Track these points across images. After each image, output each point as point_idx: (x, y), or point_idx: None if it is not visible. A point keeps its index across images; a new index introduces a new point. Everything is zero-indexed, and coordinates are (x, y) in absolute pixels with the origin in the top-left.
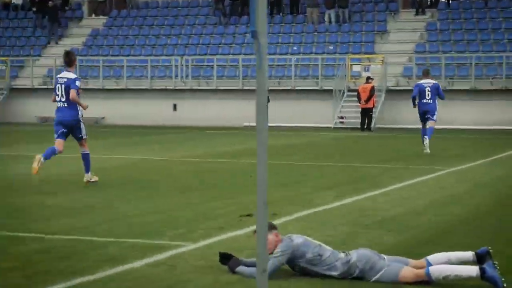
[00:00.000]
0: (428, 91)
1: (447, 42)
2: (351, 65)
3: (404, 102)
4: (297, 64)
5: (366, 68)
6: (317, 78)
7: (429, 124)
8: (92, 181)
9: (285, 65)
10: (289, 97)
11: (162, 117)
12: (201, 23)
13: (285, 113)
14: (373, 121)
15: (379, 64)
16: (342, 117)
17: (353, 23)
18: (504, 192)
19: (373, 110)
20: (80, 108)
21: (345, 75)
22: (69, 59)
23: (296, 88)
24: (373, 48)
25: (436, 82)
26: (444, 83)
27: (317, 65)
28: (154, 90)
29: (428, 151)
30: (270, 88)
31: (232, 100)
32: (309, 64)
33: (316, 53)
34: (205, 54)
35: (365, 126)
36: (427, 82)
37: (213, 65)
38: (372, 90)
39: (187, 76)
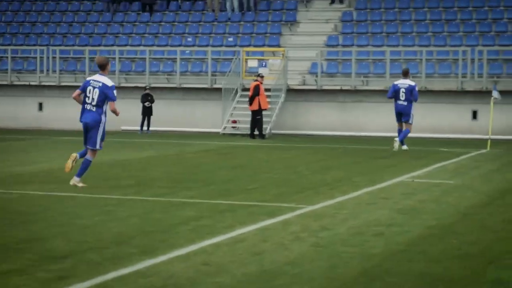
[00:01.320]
0: (403, 92)
1: (363, 35)
2: (247, 59)
3: (309, 103)
4: (189, 58)
5: (263, 63)
6: (212, 75)
7: (405, 126)
8: (80, 186)
9: (175, 58)
10: (174, 97)
11: (25, 119)
12: (86, 9)
13: (169, 116)
14: (269, 125)
15: (279, 59)
16: (234, 121)
17: (259, 11)
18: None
19: (262, 112)
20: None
21: (240, 72)
22: (102, 64)
23: (183, 86)
24: (279, 40)
25: (413, 83)
26: (356, 82)
27: (214, 59)
28: (15, 86)
29: (396, 149)
30: (155, 85)
31: None
32: (203, 59)
33: (213, 46)
34: (86, 45)
35: (254, 133)
36: (403, 83)
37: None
38: (256, 89)
39: (54, 70)
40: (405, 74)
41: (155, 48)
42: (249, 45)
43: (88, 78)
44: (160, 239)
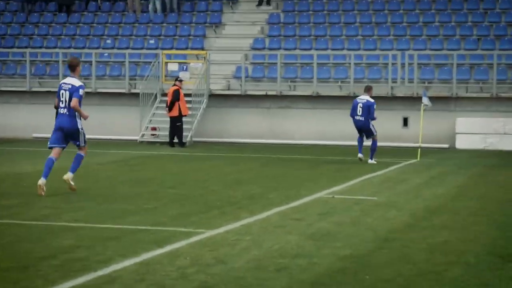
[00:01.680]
0: (360, 107)
1: (290, 38)
2: (166, 62)
3: (233, 109)
4: (108, 62)
5: (184, 67)
6: (131, 79)
7: (372, 138)
8: (72, 184)
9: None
10: (90, 102)
11: None
12: None
13: (85, 123)
14: (190, 133)
15: (200, 63)
16: (154, 128)
17: (182, 13)
18: None
19: (183, 119)
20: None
21: (159, 76)
22: (73, 65)
23: (98, 90)
24: (203, 43)
25: (372, 100)
26: (283, 87)
27: (133, 62)
28: None
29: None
30: None
31: (18, 105)
32: (122, 62)
33: (133, 48)
34: None
35: (174, 141)
36: (362, 99)
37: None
38: (175, 94)
39: None
40: (366, 90)
41: (71, 50)
42: (171, 48)
43: (60, 82)
44: (13, 280)
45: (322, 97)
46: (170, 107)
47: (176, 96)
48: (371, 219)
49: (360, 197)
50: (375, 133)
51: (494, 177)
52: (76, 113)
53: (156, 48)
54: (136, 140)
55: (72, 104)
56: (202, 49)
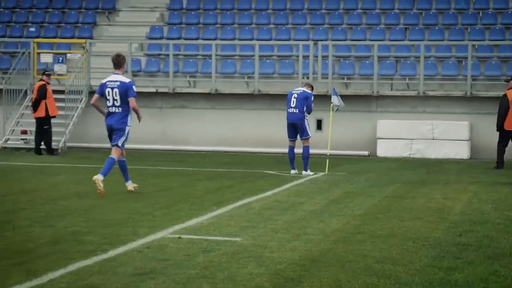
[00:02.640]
0: (295, 98)
1: (192, 26)
2: (38, 53)
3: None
4: None
5: (60, 59)
6: (4, 73)
7: (303, 143)
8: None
9: None
10: None
11: None
12: None
13: None
14: (64, 138)
15: (79, 53)
16: (24, 132)
17: None
18: None
19: (51, 121)
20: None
21: (29, 68)
22: (118, 61)
23: None
24: (92, 32)
25: (309, 91)
26: (180, 83)
27: (8, 54)
28: None
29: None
30: None
31: None
32: None
33: (10, 37)
34: None
35: (41, 147)
36: (298, 89)
37: None
38: (42, 90)
39: None
40: (305, 85)
41: None
42: (55, 37)
43: (103, 81)
44: None
45: (222, 95)
46: (35, 107)
47: (42, 93)
48: (215, 280)
49: (217, 237)
50: (309, 135)
51: (411, 202)
52: (129, 112)
53: (37, 37)
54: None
55: (131, 105)
56: (91, 38)
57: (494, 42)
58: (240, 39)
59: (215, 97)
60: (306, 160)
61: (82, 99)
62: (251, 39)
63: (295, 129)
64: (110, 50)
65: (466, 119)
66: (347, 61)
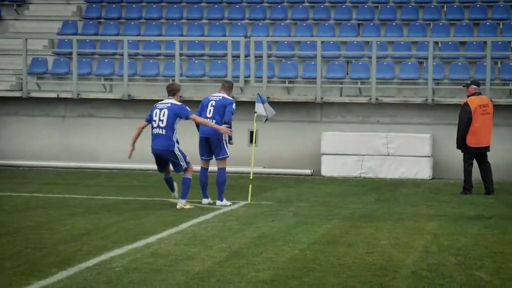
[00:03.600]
0: (212, 105)
1: (111, 21)
2: None
3: (15, 118)
4: None
5: None
6: None
7: (218, 164)
8: (186, 208)
9: None
10: None
11: None
12: None
13: None
14: None
15: None
16: None
17: None
18: None
19: None
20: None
21: None
22: (172, 89)
23: None
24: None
25: (231, 99)
26: (82, 87)
27: None
28: None
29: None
30: None
31: None
32: None
33: None
34: None
35: None
36: (216, 96)
37: None
38: None
39: None
40: (228, 89)
41: None
42: None
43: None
44: None
45: (136, 102)
46: None
47: None
48: None
49: None
50: (226, 154)
51: (346, 252)
52: (174, 134)
53: None
54: None
55: (197, 121)
56: None
57: (461, 39)
58: (166, 35)
59: (129, 104)
60: (222, 187)
61: None
62: (181, 35)
63: (210, 145)
64: (15, 48)
65: (427, 131)
66: (289, 62)
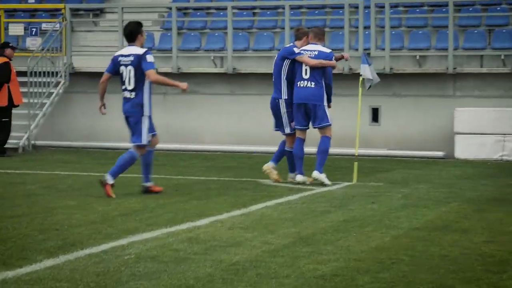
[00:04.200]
0: (305, 68)
1: None
2: (7, 22)
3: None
4: None
5: (33, 30)
6: None
7: (321, 133)
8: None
9: None
10: None
11: None
12: None
13: None
14: (28, 133)
15: (58, 22)
16: None
17: None
18: None
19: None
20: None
21: None
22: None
23: None
24: None
25: (327, 51)
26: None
27: None
28: None
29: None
30: None
31: None
32: None
33: None
34: None
35: None
36: (311, 49)
37: None
38: (4, 69)
39: None
40: (316, 36)
41: None
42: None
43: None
44: None
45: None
46: None
47: (5, 74)
48: None
49: None
50: (329, 122)
51: (457, 240)
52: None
53: None
54: None
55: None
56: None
57: None
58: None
59: (233, 79)
60: (323, 156)
61: (61, 83)
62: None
63: (308, 112)
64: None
65: None
66: (420, 32)
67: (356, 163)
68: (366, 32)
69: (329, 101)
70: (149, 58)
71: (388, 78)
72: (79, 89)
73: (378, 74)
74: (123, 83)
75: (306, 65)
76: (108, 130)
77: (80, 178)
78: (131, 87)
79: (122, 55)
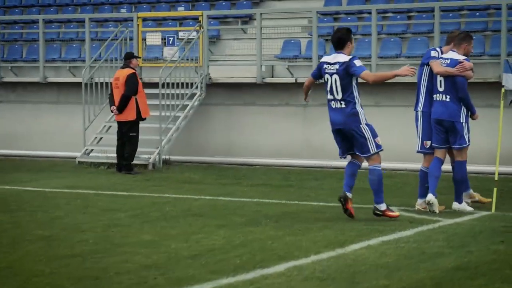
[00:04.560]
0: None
1: None
2: (144, 32)
3: (241, 109)
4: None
5: (170, 39)
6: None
7: (456, 155)
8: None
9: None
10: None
11: None
12: None
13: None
14: (159, 149)
15: (196, 30)
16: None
17: None
18: None
19: (139, 126)
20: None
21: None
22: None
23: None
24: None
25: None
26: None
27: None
28: None
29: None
30: None
31: None
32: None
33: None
34: None
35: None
36: (446, 57)
37: None
38: (132, 81)
39: None
40: (456, 41)
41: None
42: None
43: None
44: None
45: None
46: (122, 106)
47: (132, 86)
48: None
49: None
50: (466, 142)
51: None
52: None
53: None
54: (75, 159)
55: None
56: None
57: None
58: None
59: (378, 89)
60: (460, 186)
61: (197, 95)
62: None
63: (446, 130)
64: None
65: None
66: None
67: (495, 189)
68: None
69: (472, 113)
70: (358, 62)
71: None
72: (216, 101)
73: None
74: (328, 92)
75: (440, 76)
76: (247, 145)
77: (183, 203)
78: (339, 97)
79: (327, 63)
